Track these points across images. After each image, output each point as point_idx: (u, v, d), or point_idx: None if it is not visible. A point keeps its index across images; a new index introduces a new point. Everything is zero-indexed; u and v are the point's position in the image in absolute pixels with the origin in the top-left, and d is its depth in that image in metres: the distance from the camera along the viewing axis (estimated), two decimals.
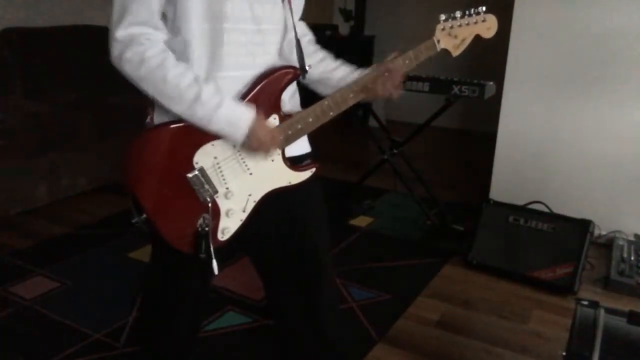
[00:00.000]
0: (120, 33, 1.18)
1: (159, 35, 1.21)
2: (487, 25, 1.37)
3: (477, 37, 1.39)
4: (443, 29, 1.36)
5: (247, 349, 2.10)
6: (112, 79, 4.43)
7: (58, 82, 3.79)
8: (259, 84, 1.28)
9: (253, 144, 1.26)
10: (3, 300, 2.35)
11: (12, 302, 2.34)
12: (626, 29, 2.75)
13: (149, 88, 1.21)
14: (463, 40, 1.37)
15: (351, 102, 1.35)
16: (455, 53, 1.39)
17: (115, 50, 1.20)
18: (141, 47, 1.18)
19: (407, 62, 1.34)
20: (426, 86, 2.89)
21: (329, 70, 1.43)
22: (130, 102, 3.57)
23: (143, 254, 2.68)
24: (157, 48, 1.20)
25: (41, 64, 3.71)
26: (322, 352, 1.52)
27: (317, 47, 1.48)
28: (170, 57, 1.21)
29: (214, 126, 1.23)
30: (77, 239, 2.96)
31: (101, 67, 4.00)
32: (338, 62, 1.45)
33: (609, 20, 2.78)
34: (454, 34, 1.36)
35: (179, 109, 1.22)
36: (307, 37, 1.49)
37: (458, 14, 1.35)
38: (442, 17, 1.36)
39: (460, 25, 1.36)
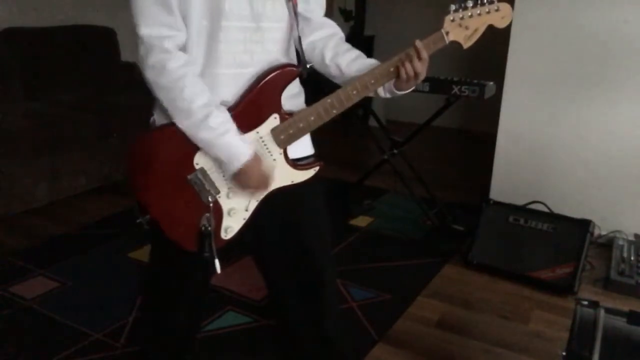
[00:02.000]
0: (144, 32, 1.18)
1: (181, 36, 1.21)
2: (501, 15, 1.31)
3: (490, 27, 1.34)
4: (453, 20, 1.30)
5: (247, 349, 2.10)
6: (112, 79, 4.44)
7: (58, 82, 3.79)
8: (259, 83, 1.27)
9: (242, 180, 1.27)
10: (3, 300, 2.35)
11: (12, 302, 2.34)
12: (626, 28, 2.75)
13: (163, 97, 1.22)
14: (475, 30, 1.32)
15: (355, 100, 1.32)
16: (467, 44, 1.33)
17: (140, 49, 1.20)
18: (165, 55, 1.18)
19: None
20: (426, 86, 2.89)
21: (364, 68, 1.36)
22: (131, 102, 3.59)
23: (143, 254, 2.68)
24: (180, 61, 1.20)
25: (41, 64, 3.71)
26: (322, 352, 1.52)
27: (349, 45, 1.44)
28: (191, 73, 1.21)
29: (213, 150, 1.24)
30: (77, 239, 2.96)
31: (101, 67, 4.05)
32: (373, 61, 1.39)
33: (609, 20, 2.78)
34: (465, 25, 1.30)
35: (184, 124, 1.22)
36: (338, 35, 1.45)
37: (470, 3, 1.29)
38: (452, 7, 1.30)
39: (471, 16, 1.30)
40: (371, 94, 1.36)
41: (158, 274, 1.50)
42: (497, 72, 3.20)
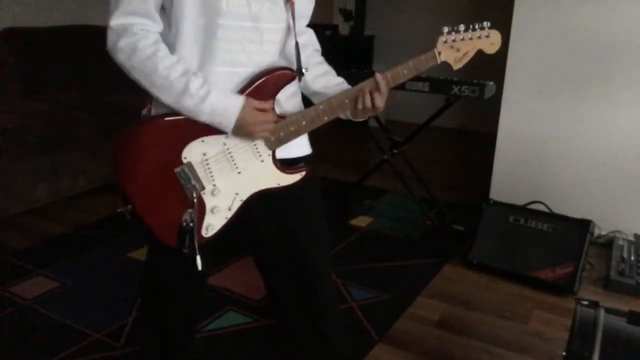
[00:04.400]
0: (115, 22, 1.20)
1: (154, 27, 1.23)
2: (490, 41, 1.37)
3: (479, 52, 1.40)
4: (445, 42, 1.35)
5: (247, 349, 2.10)
6: (112, 79, 4.44)
7: (58, 82, 3.79)
8: (254, 84, 1.28)
9: (244, 131, 1.27)
10: (3, 300, 2.35)
11: (12, 302, 2.34)
12: (625, 29, 2.75)
13: (139, 78, 1.23)
14: (465, 54, 1.37)
15: (348, 108, 1.35)
16: (457, 66, 1.39)
17: (109, 38, 1.22)
18: (134, 37, 1.20)
19: (405, 71, 1.34)
20: (426, 86, 2.89)
21: (329, 86, 1.42)
22: (130, 102, 3.58)
23: (143, 254, 2.66)
24: (149, 39, 1.21)
25: (41, 64, 3.71)
26: (321, 352, 1.52)
27: (322, 59, 1.48)
28: (162, 49, 1.22)
29: (203, 117, 1.24)
30: (77, 239, 2.96)
31: (101, 67, 4.05)
32: (340, 80, 1.44)
33: (608, 21, 2.78)
34: (457, 47, 1.36)
35: (167, 99, 1.23)
36: (313, 46, 1.48)
37: (462, 27, 1.35)
38: (445, 29, 1.35)
39: (463, 39, 1.35)
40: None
41: (155, 274, 1.51)
42: (497, 72, 3.20)
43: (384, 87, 1.33)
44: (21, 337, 2.13)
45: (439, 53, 1.35)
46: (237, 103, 1.24)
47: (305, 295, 1.46)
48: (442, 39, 1.35)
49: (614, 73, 2.82)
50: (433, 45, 1.36)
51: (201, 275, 1.46)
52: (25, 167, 3.14)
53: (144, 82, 1.23)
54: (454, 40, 1.35)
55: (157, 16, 1.23)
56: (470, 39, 1.36)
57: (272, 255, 1.45)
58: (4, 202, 3.07)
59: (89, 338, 2.12)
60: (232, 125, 1.25)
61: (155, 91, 1.23)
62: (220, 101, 1.23)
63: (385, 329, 2.22)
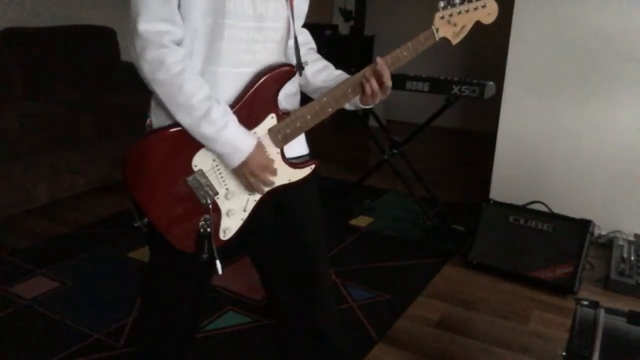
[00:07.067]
0: (142, 27, 1.16)
1: (179, 33, 1.20)
2: (487, 11, 1.35)
3: (477, 23, 1.38)
4: (442, 17, 1.34)
5: (247, 349, 2.10)
6: (112, 79, 4.43)
7: (58, 82, 3.79)
8: (257, 83, 1.27)
9: (246, 172, 1.27)
10: (3, 300, 2.35)
11: (12, 302, 2.34)
12: (626, 29, 2.75)
13: (161, 93, 1.20)
14: (463, 27, 1.35)
15: (351, 97, 1.35)
16: (455, 41, 1.37)
17: (136, 45, 1.18)
18: (163, 50, 1.17)
19: (405, 53, 1.34)
20: (426, 86, 2.89)
21: (330, 79, 1.42)
22: (130, 102, 3.59)
23: (143, 254, 2.68)
24: (178, 55, 1.18)
25: (41, 64, 3.71)
26: (320, 352, 1.52)
27: (319, 56, 1.48)
28: (189, 68, 1.20)
29: (215, 145, 1.23)
30: (77, 239, 2.95)
31: (101, 67, 4.06)
32: (339, 72, 1.44)
33: (608, 21, 2.78)
34: (454, 22, 1.34)
35: (185, 120, 1.21)
36: (308, 45, 1.48)
37: (457, 0, 1.34)
38: (441, 4, 1.34)
39: (459, 13, 1.34)
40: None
41: (157, 276, 1.50)
42: (497, 72, 3.20)
43: (385, 69, 1.32)
44: (21, 337, 2.13)
45: (437, 30, 1.34)
46: (251, 142, 1.25)
47: (303, 294, 1.46)
48: (438, 14, 1.34)
49: (613, 74, 2.82)
50: (430, 23, 1.35)
51: (205, 277, 1.46)
52: (25, 167, 3.14)
53: (165, 98, 1.20)
54: (450, 15, 1.34)
55: (179, 20, 1.20)
56: (467, 11, 1.34)
57: (271, 253, 1.45)
58: (4, 202, 3.06)
59: (89, 338, 2.12)
60: (240, 161, 1.25)
61: (173, 108, 1.21)
62: (237, 135, 1.23)
63: (385, 329, 2.22)
